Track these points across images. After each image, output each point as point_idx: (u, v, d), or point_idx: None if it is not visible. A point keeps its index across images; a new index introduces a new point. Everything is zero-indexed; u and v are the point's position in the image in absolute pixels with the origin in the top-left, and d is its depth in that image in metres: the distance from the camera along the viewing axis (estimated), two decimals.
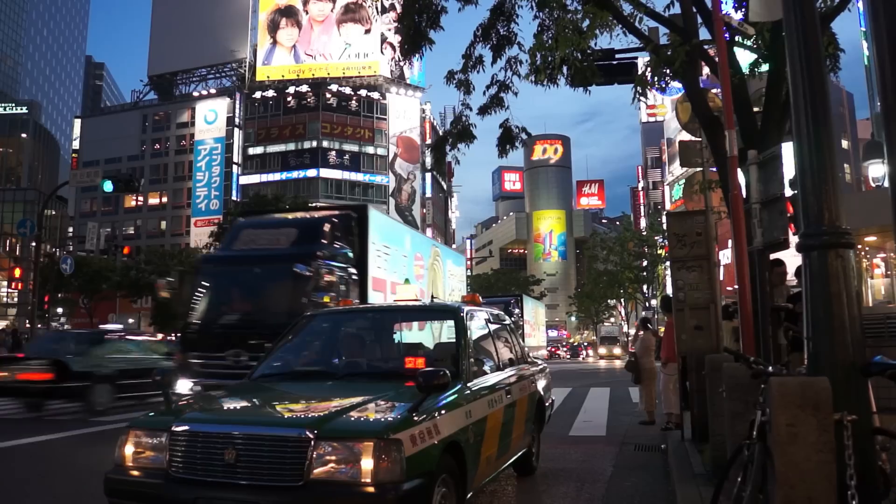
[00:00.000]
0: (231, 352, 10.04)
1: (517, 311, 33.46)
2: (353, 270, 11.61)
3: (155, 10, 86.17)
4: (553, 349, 63.56)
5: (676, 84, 9.06)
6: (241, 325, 10.49)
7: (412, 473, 3.79)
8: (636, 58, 10.08)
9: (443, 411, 4.43)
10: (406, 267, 14.90)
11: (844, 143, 50.23)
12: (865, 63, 37.00)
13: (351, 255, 11.78)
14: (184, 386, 10.07)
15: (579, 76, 8.80)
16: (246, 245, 11.69)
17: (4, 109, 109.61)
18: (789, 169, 5.54)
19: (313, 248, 10.96)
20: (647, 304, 61.75)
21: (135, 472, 4.14)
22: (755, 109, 7.75)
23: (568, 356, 66.71)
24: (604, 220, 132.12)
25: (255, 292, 10.95)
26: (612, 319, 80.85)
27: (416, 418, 4.06)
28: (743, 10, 7.87)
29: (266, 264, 11.08)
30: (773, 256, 6.28)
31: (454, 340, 5.62)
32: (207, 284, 11.29)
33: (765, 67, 7.79)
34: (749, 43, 8.07)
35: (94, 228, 64.15)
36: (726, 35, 7.01)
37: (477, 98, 9.89)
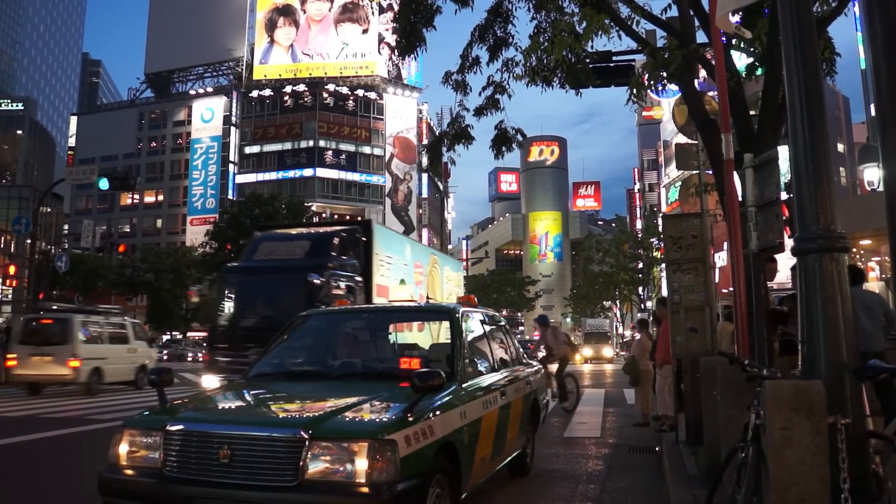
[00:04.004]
0: (253, 351, 10.30)
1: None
2: (359, 279, 13.04)
3: (152, 7, 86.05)
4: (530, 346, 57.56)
5: (673, 87, 9.07)
6: (262, 327, 11.06)
7: (407, 474, 3.80)
8: (633, 60, 10.11)
9: (437, 412, 4.43)
10: (407, 274, 16.19)
11: (840, 147, 50.35)
12: (861, 67, 37.11)
13: (357, 265, 13.27)
14: (211, 381, 11.21)
15: (572, 78, 8.82)
16: (265, 256, 13.22)
17: (0, 106, 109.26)
18: (785, 172, 5.56)
19: (325, 259, 12.39)
20: (643, 306, 61.76)
21: (129, 472, 4.13)
22: (751, 113, 7.76)
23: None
24: (600, 222, 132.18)
25: (274, 298, 12.19)
26: (602, 315, 73.90)
27: (410, 419, 4.06)
28: (740, 13, 7.89)
29: (284, 274, 12.37)
30: None
31: (449, 341, 5.63)
32: (232, 291, 12.85)
33: (761, 71, 7.80)
34: (746, 46, 8.09)
35: (89, 226, 63.86)
36: (723, 38, 7.02)
37: (474, 99, 9.92)
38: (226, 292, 12.93)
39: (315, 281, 11.44)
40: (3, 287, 71.16)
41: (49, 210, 77.92)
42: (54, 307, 22.01)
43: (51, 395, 17.35)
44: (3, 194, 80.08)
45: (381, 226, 15.87)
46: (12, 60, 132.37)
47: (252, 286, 12.63)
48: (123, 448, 4.19)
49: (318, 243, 13.32)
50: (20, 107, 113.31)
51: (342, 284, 12.24)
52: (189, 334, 63.35)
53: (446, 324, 5.93)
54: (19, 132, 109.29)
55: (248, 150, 77.58)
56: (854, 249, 15.24)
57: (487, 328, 6.65)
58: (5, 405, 14.12)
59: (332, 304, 10.58)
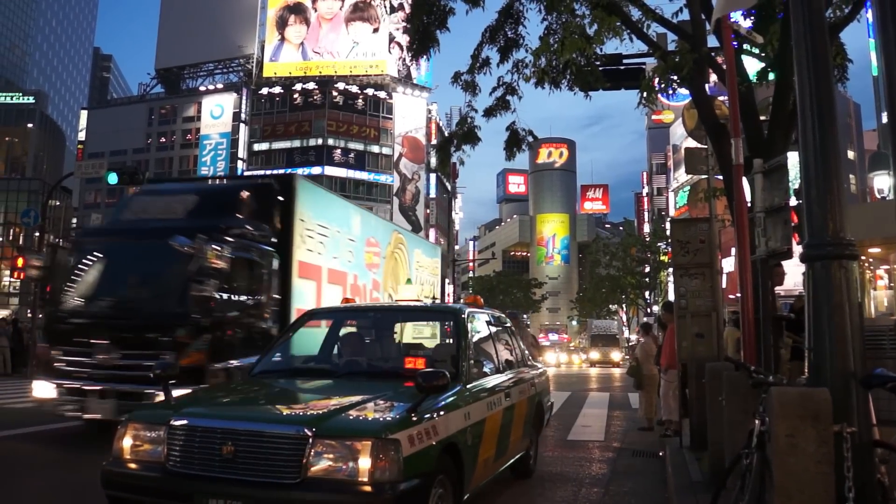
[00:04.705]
0: (101, 348, 8.40)
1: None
2: (269, 251, 9.82)
3: (163, 3, 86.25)
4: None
5: (684, 91, 9.04)
6: (115, 314, 8.70)
7: (410, 473, 3.80)
8: (643, 63, 10.08)
9: (441, 412, 4.43)
10: (353, 253, 12.78)
11: (850, 154, 50.15)
12: (874, 74, 36.95)
13: (269, 232, 9.96)
14: (42, 390, 8.73)
15: (582, 80, 8.81)
16: (135, 216, 9.79)
17: (11, 99, 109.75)
18: (794, 178, 5.53)
19: (214, 221, 9.05)
20: (649, 311, 61.58)
21: (132, 465, 4.15)
22: (762, 118, 7.74)
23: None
24: (607, 225, 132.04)
25: (134, 274, 9.03)
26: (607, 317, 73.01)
27: (414, 419, 4.06)
28: (752, 18, 7.87)
29: (148, 239, 8.95)
30: None
31: (454, 341, 5.63)
32: (79, 263, 9.37)
33: (772, 76, 7.77)
34: (757, 51, 8.06)
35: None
36: (734, 43, 6.99)
37: (483, 100, 9.90)
38: (72, 264, 9.45)
39: (182, 248, 8.11)
40: (11, 279, 71.45)
41: (58, 203, 78.18)
42: None
43: None
44: (13, 187, 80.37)
45: (314, 185, 11.93)
46: (24, 54, 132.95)
47: (107, 256, 9.26)
48: (127, 442, 4.21)
49: (210, 200, 9.94)
50: (31, 100, 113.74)
51: (237, 256, 8.88)
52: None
53: (451, 324, 5.93)
54: (30, 125, 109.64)
55: (256, 147, 77.69)
56: (863, 257, 15.15)
57: (493, 329, 6.65)
58: None
59: (222, 281, 8.54)
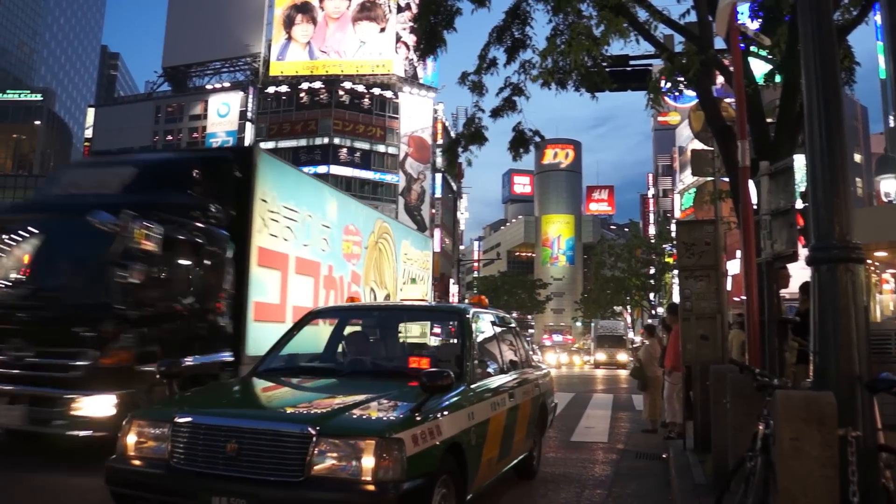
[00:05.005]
0: (10, 344, 7.11)
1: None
2: (221, 234, 8.52)
3: (171, 1, 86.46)
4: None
5: (690, 92, 9.03)
6: (27, 304, 7.35)
7: (413, 473, 3.80)
8: (650, 65, 10.07)
9: (445, 412, 4.43)
10: (328, 241, 11.28)
11: (857, 157, 49.99)
12: (881, 77, 36.83)
13: (222, 213, 8.61)
14: None
15: (588, 81, 8.80)
16: (62, 190, 8.68)
17: (19, 96, 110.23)
18: (801, 181, 5.51)
19: (153, 196, 7.78)
20: (654, 312, 61.48)
21: (136, 462, 4.16)
22: (769, 120, 7.73)
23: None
24: (612, 227, 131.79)
25: (51, 257, 7.65)
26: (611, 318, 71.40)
27: (418, 418, 4.06)
28: (759, 19, 7.85)
29: (67, 216, 7.54)
30: None
31: (459, 341, 5.63)
32: None
33: (779, 78, 7.76)
34: (764, 53, 8.04)
35: None
36: (742, 45, 6.98)
37: (490, 100, 9.90)
38: None
39: (104, 225, 6.77)
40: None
41: None
42: None
43: None
44: (20, 184, 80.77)
45: (280, 160, 10.38)
46: (32, 52, 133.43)
47: (19, 236, 7.73)
48: (131, 439, 4.22)
49: (151, 173, 8.65)
50: (39, 98, 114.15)
51: (176, 238, 7.64)
52: None
53: (456, 324, 5.94)
54: (37, 122, 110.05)
55: (262, 145, 77.64)
56: (869, 261, 15.11)
57: (497, 330, 6.65)
58: None
59: (154, 267, 7.30)
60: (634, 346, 46.66)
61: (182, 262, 7.94)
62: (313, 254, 10.70)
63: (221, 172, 8.96)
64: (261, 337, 8.55)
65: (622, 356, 45.70)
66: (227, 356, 8.41)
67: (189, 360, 7.46)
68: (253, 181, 8.99)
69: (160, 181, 8.36)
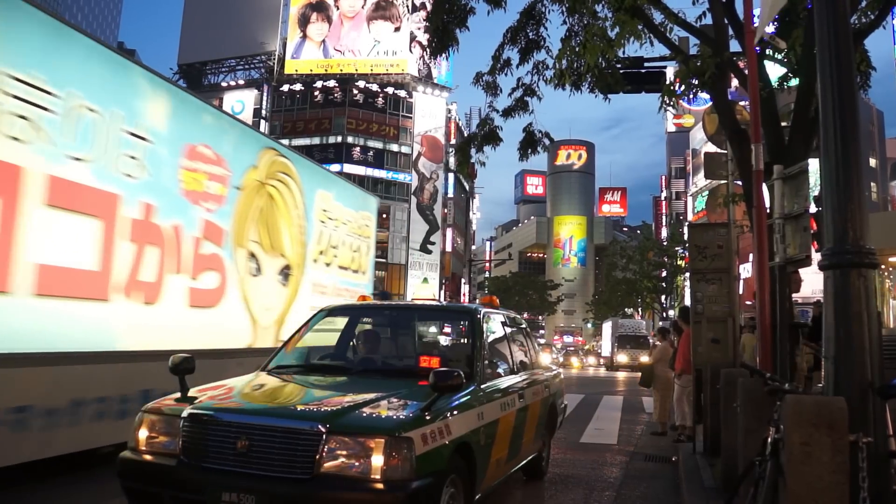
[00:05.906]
0: None
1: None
2: None
3: None
4: None
5: (705, 95, 9.00)
6: None
7: (422, 472, 3.81)
8: (665, 67, 10.05)
9: (455, 412, 4.44)
10: (144, 161, 7.20)
11: (872, 162, 49.65)
12: None
13: None
14: None
15: (602, 83, 8.79)
16: None
17: None
18: (814, 185, 5.49)
19: None
20: (665, 315, 61.23)
21: (148, 456, 4.19)
22: (783, 124, 7.69)
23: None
24: (625, 228, 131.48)
25: None
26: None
27: (428, 417, 4.07)
28: (775, 23, 7.81)
29: None
30: None
31: (469, 341, 5.64)
32: None
33: (794, 82, 7.72)
34: (780, 56, 8.00)
35: None
36: (757, 48, 6.95)
37: (503, 100, 9.89)
38: None
39: None
40: None
41: None
42: None
43: None
44: None
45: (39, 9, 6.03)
46: None
47: None
48: (143, 433, 4.26)
49: None
50: None
51: None
52: None
53: (466, 323, 5.94)
54: None
55: None
56: (882, 266, 15.01)
57: (508, 330, 6.65)
58: None
59: None
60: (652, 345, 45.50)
61: None
62: (100, 177, 6.60)
63: None
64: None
65: (645, 357, 43.00)
66: None
67: None
68: None
69: None
